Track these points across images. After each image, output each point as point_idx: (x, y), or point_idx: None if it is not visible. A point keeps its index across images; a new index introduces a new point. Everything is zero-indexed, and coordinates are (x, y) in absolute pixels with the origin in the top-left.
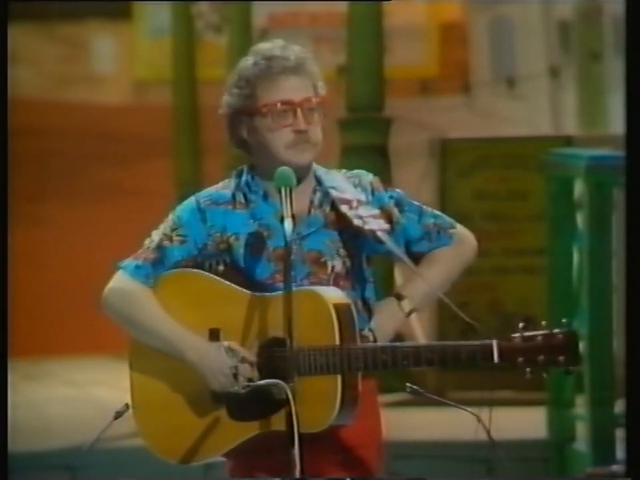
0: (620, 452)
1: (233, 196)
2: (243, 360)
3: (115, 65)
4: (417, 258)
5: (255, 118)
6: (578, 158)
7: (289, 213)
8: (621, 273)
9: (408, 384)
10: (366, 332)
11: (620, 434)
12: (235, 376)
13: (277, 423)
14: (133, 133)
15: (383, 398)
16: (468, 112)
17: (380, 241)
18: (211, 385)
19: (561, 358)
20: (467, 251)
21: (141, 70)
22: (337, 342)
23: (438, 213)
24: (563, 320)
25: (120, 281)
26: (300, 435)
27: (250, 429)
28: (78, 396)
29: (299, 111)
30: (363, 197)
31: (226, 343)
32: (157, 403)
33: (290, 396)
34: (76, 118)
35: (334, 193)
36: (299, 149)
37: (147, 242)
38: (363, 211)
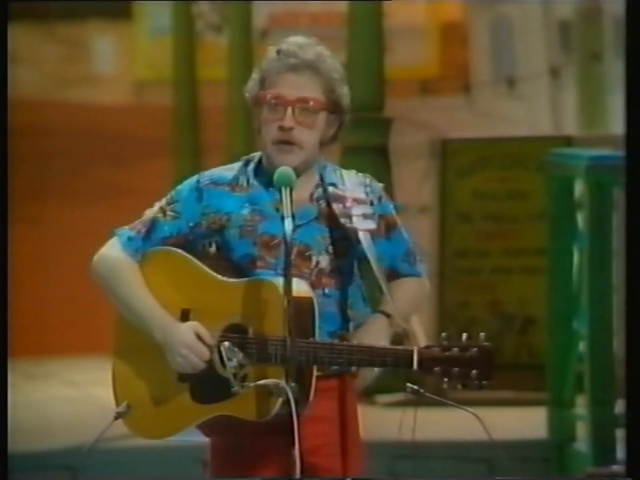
0: (620, 452)
1: (236, 179)
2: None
3: (115, 65)
4: (393, 277)
5: (257, 106)
6: (578, 158)
7: (289, 213)
8: (620, 273)
9: (408, 384)
10: (343, 332)
11: (620, 434)
12: (235, 376)
13: (234, 408)
14: (133, 133)
15: (382, 398)
16: (468, 112)
17: (359, 242)
18: (171, 364)
19: (474, 372)
20: (426, 289)
21: (141, 70)
22: (287, 334)
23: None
24: (481, 334)
25: (111, 249)
26: (263, 427)
27: (210, 411)
28: (78, 396)
29: (289, 108)
30: (363, 197)
31: (227, 343)
32: (133, 381)
33: (290, 396)
34: (76, 118)
35: (331, 189)
36: (282, 148)
37: (147, 211)
38: (354, 210)
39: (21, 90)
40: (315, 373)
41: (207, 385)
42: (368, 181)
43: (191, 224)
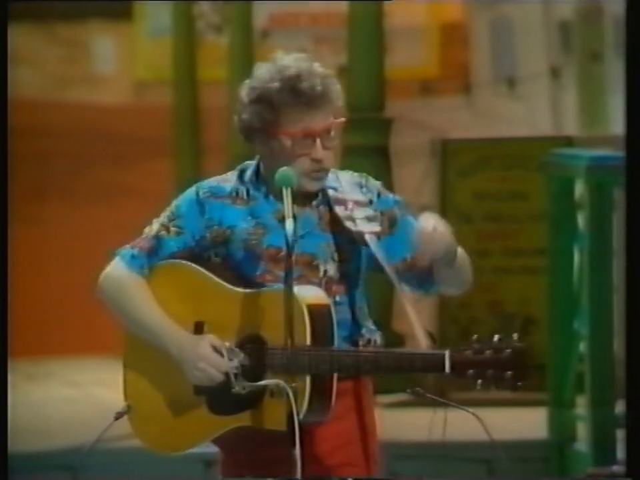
0: (620, 452)
1: (236, 191)
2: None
3: (116, 65)
4: (419, 264)
5: (272, 139)
6: (578, 158)
7: (290, 214)
8: (621, 272)
9: (408, 390)
10: (361, 338)
11: (620, 434)
12: (236, 376)
13: (253, 419)
14: (132, 133)
15: (383, 398)
16: (468, 112)
17: (366, 244)
18: (188, 379)
19: (509, 374)
20: (464, 255)
21: (142, 70)
22: (308, 343)
23: None
24: (514, 335)
25: (115, 269)
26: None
27: (228, 423)
28: (78, 396)
29: (318, 140)
30: (362, 198)
31: (227, 344)
32: (150, 398)
33: (291, 396)
34: (76, 118)
35: (332, 193)
36: (313, 176)
37: (146, 230)
38: (357, 213)
39: (21, 90)
40: (335, 379)
41: (226, 396)
42: (364, 180)
43: (196, 237)
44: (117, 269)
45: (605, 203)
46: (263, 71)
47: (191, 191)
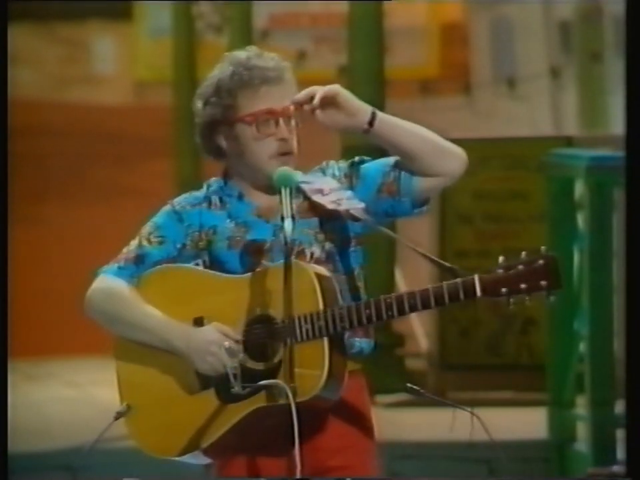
0: (620, 452)
1: (208, 199)
2: (230, 338)
3: (116, 65)
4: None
5: (235, 127)
6: (578, 158)
7: (289, 213)
8: (621, 273)
9: (408, 384)
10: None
11: (620, 434)
12: (235, 376)
13: (267, 398)
14: (133, 133)
15: (383, 398)
16: (468, 112)
17: (357, 219)
18: (200, 368)
19: (543, 283)
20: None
21: (142, 70)
22: (321, 306)
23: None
24: (542, 247)
25: (103, 282)
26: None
27: (244, 408)
28: (78, 396)
29: (281, 120)
30: (335, 184)
31: (227, 344)
32: (146, 400)
33: (290, 397)
34: (76, 118)
35: (305, 186)
36: (282, 159)
37: (125, 249)
38: (336, 195)
39: (20, 90)
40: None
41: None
42: (324, 166)
43: (178, 245)
44: (105, 282)
45: (605, 203)
46: (213, 70)
47: (164, 207)
